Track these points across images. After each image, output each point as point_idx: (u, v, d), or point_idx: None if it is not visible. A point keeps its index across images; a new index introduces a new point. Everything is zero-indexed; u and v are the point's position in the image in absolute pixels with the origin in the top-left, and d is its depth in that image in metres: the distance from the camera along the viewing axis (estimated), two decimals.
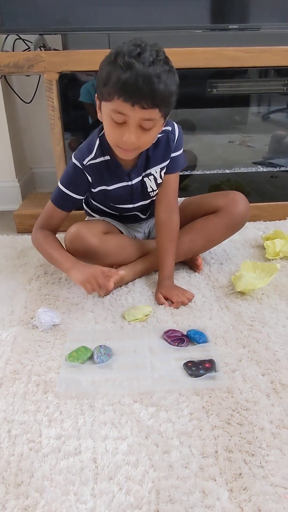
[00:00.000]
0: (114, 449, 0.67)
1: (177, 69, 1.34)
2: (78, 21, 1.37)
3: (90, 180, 1.04)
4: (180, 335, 0.91)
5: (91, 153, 1.02)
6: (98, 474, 0.63)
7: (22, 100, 1.75)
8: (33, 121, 1.82)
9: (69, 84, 1.38)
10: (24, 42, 1.59)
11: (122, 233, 1.20)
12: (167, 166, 1.06)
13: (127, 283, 1.14)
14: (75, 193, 1.06)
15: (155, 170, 1.06)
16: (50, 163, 1.73)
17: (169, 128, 1.04)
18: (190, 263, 1.22)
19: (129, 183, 1.06)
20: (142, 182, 1.07)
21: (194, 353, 0.87)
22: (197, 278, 1.17)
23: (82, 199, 1.09)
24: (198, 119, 1.64)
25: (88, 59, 1.29)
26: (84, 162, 1.02)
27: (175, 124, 1.06)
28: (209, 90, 1.45)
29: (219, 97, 1.49)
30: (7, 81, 1.69)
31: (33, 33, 1.46)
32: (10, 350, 0.89)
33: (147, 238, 1.28)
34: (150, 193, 1.10)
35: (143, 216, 1.21)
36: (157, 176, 1.07)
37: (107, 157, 1.02)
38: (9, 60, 1.30)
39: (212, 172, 1.61)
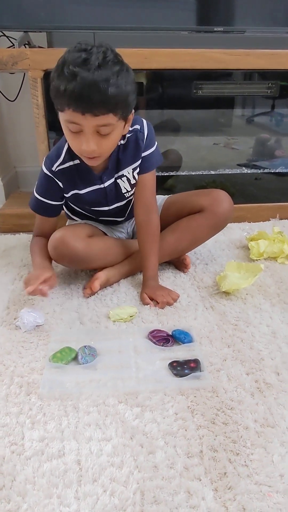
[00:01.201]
0: (99, 450, 0.66)
1: (162, 69, 1.37)
2: (63, 19, 1.36)
3: (61, 186, 1.04)
4: (165, 335, 0.91)
5: (59, 158, 1.01)
6: (82, 476, 0.62)
7: (6, 98, 1.73)
8: (17, 119, 1.80)
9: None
10: (8, 39, 1.57)
11: (106, 235, 1.19)
12: (140, 166, 1.04)
13: (112, 284, 1.13)
14: (51, 200, 1.07)
15: (127, 171, 1.04)
16: (34, 162, 1.71)
17: (138, 126, 1.01)
18: (177, 263, 1.22)
19: (101, 186, 1.05)
20: (116, 184, 1.06)
21: (179, 353, 0.87)
22: (182, 278, 1.17)
23: (61, 204, 1.10)
24: (183, 121, 1.64)
25: None
26: (53, 168, 1.01)
27: (144, 121, 1.03)
28: (194, 91, 1.45)
29: (204, 98, 1.50)
30: None
31: (17, 30, 1.44)
32: None
33: (131, 238, 1.27)
34: (125, 194, 1.09)
35: (120, 219, 1.20)
36: (130, 177, 1.05)
37: (77, 161, 1.01)
38: None
39: (197, 173, 1.62)
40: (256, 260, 1.27)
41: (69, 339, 0.90)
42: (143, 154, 1.03)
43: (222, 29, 1.42)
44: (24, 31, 1.41)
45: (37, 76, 1.32)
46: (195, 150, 1.72)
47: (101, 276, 1.09)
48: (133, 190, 1.09)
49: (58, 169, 1.01)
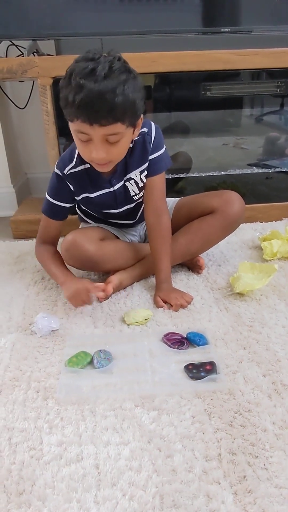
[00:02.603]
0: (117, 454, 0.66)
1: (170, 72, 1.37)
2: (70, 26, 1.37)
3: (72, 189, 1.05)
4: (180, 337, 0.91)
5: (72, 161, 1.02)
6: (101, 480, 0.62)
7: (16, 106, 1.75)
8: (27, 126, 1.82)
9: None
10: (17, 48, 1.59)
11: (118, 238, 1.20)
12: (148, 169, 1.05)
13: (125, 287, 1.14)
14: (62, 202, 1.08)
15: (135, 174, 1.05)
16: (45, 168, 1.72)
17: (145, 129, 1.01)
18: (191, 265, 1.22)
19: (111, 189, 1.06)
20: (125, 187, 1.07)
21: (195, 355, 0.87)
22: (195, 280, 1.17)
23: (71, 206, 1.10)
24: (192, 122, 1.64)
25: None
26: (65, 171, 1.03)
27: (152, 124, 1.03)
28: (202, 93, 1.45)
29: (213, 99, 1.50)
30: (0, 87, 1.69)
31: (26, 39, 1.46)
32: (8, 357, 0.88)
33: (143, 241, 1.28)
34: (133, 197, 1.09)
35: (130, 222, 1.20)
36: (138, 180, 1.06)
37: (87, 165, 1.01)
38: (2, 66, 1.30)
39: (207, 174, 1.62)
40: (270, 260, 1.26)
41: (84, 343, 0.91)
42: (151, 157, 1.04)
43: (229, 29, 1.42)
44: (33, 40, 1.44)
45: (46, 84, 1.33)
46: (205, 151, 1.72)
47: (114, 279, 1.09)
48: (142, 192, 1.10)
49: (70, 172, 1.03)
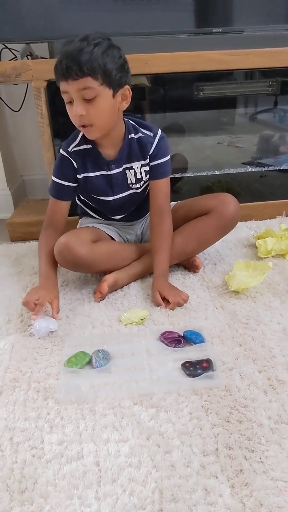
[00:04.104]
0: (116, 451, 0.67)
1: (163, 73, 1.38)
2: (63, 28, 1.38)
3: (76, 166, 1.11)
4: (176, 336, 0.92)
5: (75, 140, 1.10)
6: (101, 477, 0.63)
7: (11, 109, 1.76)
8: (22, 129, 1.83)
9: (57, 91, 1.38)
10: (11, 51, 1.60)
11: (113, 239, 1.21)
12: (154, 172, 1.12)
13: (122, 287, 1.15)
14: (66, 181, 1.13)
15: (136, 166, 1.12)
16: (41, 170, 1.74)
17: (151, 134, 1.10)
18: (188, 265, 1.23)
19: (108, 172, 1.11)
20: (123, 174, 1.12)
21: (191, 353, 0.88)
22: (191, 279, 1.18)
23: (74, 186, 1.13)
24: (186, 122, 1.66)
25: None
26: (69, 149, 1.10)
27: (159, 131, 1.11)
28: (196, 93, 1.47)
29: (206, 100, 1.51)
30: None
31: (19, 42, 1.47)
32: (8, 359, 0.90)
33: (139, 241, 1.29)
34: (130, 184, 1.14)
35: (120, 216, 1.23)
36: (138, 171, 1.12)
37: (89, 146, 1.09)
38: None
39: (202, 174, 1.63)
40: (264, 258, 1.27)
41: (83, 343, 0.92)
42: (159, 162, 1.11)
43: (220, 30, 1.43)
44: (26, 43, 1.44)
45: (40, 86, 1.34)
46: (200, 151, 1.73)
47: (109, 278, 1.10)
48: (138, 184, 1.15)
49: (74, 150, 1.10)
